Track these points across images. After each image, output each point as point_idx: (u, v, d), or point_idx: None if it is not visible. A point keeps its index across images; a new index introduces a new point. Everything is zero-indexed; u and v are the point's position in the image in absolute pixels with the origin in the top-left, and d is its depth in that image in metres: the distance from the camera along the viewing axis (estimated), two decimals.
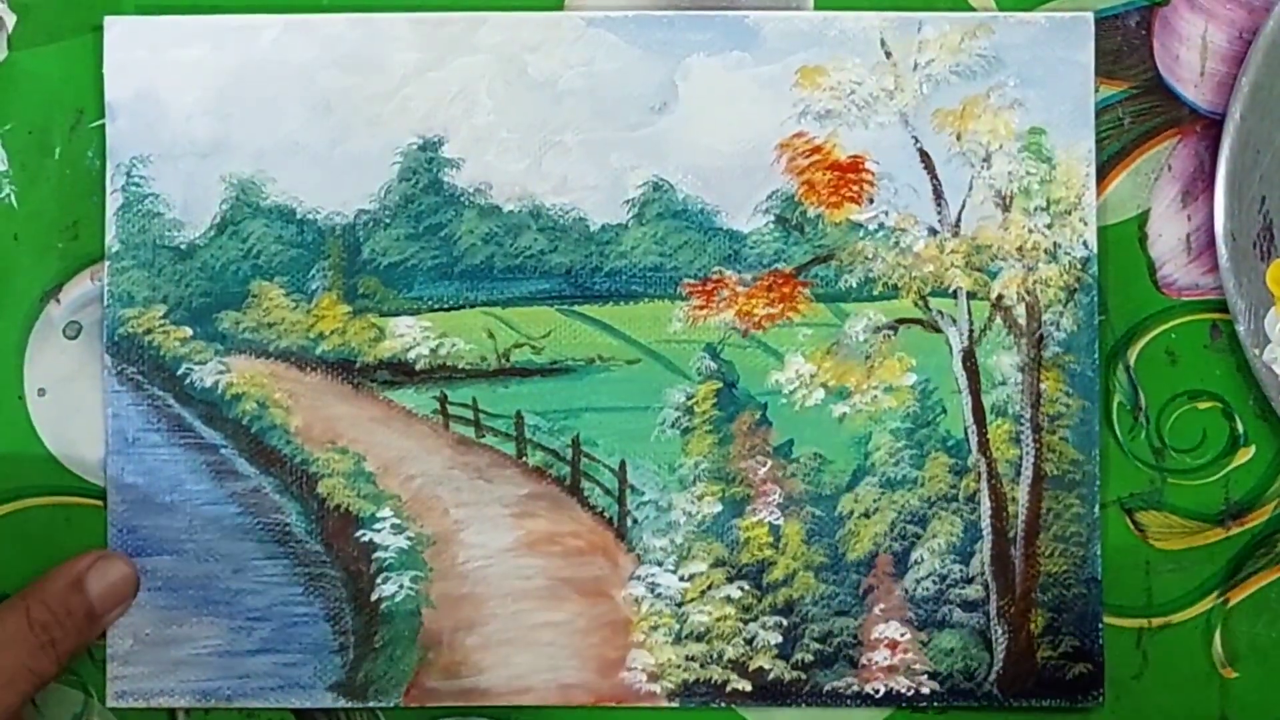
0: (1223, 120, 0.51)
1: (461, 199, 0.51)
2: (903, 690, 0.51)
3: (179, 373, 0.51)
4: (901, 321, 0.51)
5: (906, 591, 0.51)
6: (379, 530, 0.51)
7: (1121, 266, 0.52)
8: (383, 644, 0.51)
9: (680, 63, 0.51)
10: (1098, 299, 0.51)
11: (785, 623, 0.51)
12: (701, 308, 0.51)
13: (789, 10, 0.51)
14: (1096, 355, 0.51)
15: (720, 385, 0.51)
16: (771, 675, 0.51)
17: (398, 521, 0.51)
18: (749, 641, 0.51)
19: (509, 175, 0.51)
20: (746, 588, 0.51)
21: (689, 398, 0.51)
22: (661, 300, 0.51)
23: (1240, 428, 0.51)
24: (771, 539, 0.51)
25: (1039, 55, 0.51)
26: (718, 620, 0.51)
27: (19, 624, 0.47)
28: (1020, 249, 0.51)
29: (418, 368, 0.51)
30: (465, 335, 0.51)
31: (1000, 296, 0.51)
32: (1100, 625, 0.51)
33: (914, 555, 0.51)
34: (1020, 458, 0.51)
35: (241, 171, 0.51)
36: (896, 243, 0.51)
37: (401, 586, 0.51)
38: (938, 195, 0.51)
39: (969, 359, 0.51)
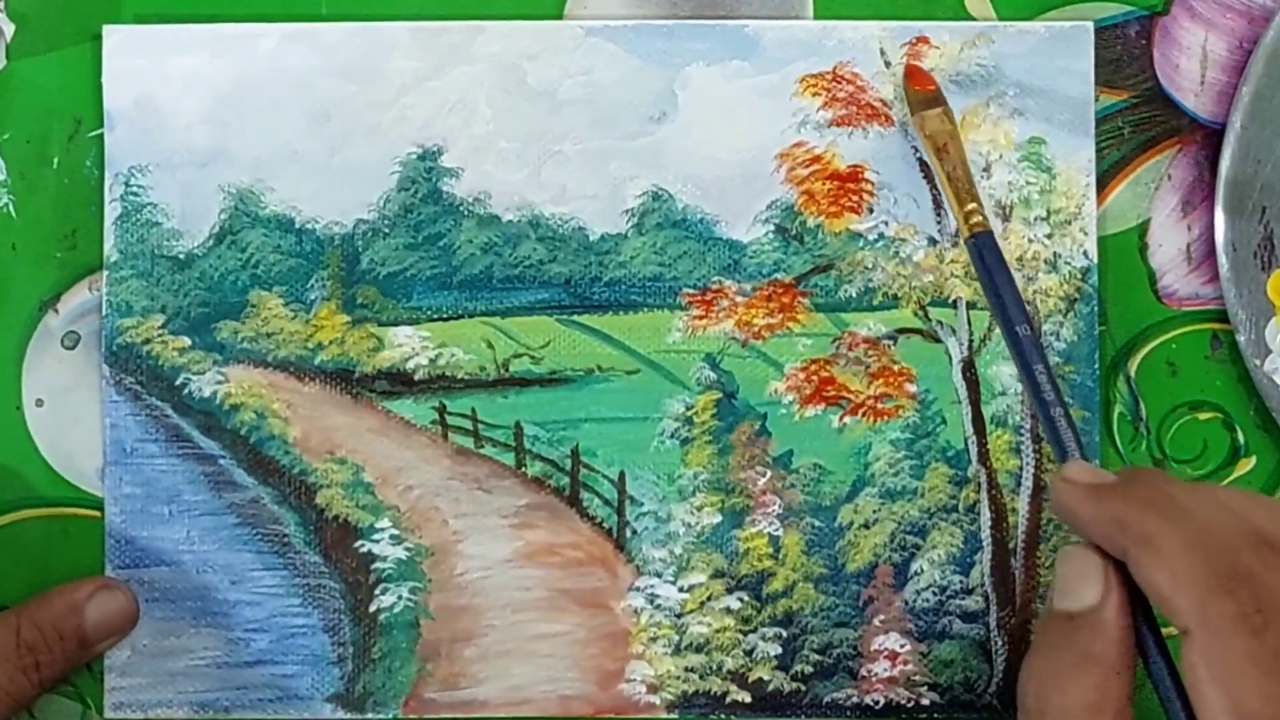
0: (1223, 130, 0.50)
1: (460, 208, 0.51)
2: (903, 702, 0.51)
3: (177, 383, 0.51)
4: (901, 331, 0.51)
5: (906, 603, 0.51)
6: (377, 541, 0.51)
7: (1122, 277, 0.51)
8: (381, 655, 0.51)
9: (679, 72, 0.51)
10: (1098, 309, 0.51)
11: (785, 634, 0.51)
12: (701, 318, 0.51)
13: (788, 19, 0.51)
14: (1097, 366, 0.51)
15: (719, 395, 0.51)
16: (771, 686, 0.51)
17: (396, 532, 0.51)
18: (748, 653, 0.51)
19: (508, 185, 0.51)
20: (746, 599, 0.51)
21: (688, 408, 0.51)
22: (661, 310, 0.51)
23: (1241, 438, 0.51)
24: (771, 550, 0.51)
25: (1039, 65, 0.51)
26: (717, 631, 0.51)
27: (6, 642, 0.46)
28: (1020, 259, 0.51)
29: (416, 378, 0.51)
30: (464, 345, 0.51)
31: None
32: None
33: (914, 566, 0.51)
34: (1020, 468, 0.51)
35: (240, 181, 0.51)
36: (896, 253, 0.51)
37: (400, 598, 0.51)
38: (937, 205, 0.51)
39: (969, 369, 0.51)
